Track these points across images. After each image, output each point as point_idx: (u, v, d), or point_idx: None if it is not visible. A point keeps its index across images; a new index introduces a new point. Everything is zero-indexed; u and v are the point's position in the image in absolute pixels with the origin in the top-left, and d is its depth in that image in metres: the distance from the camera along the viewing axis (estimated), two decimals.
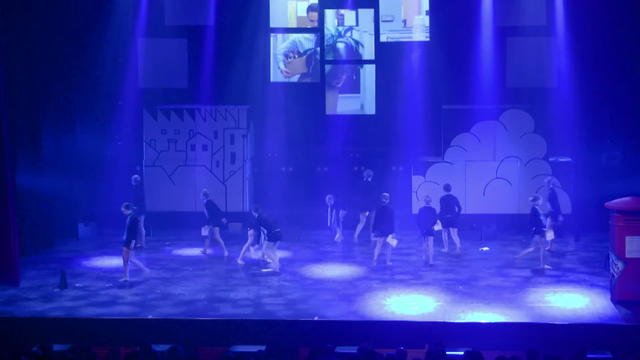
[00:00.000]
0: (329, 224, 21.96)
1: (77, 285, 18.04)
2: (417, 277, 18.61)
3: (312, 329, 15.45)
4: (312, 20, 24.42)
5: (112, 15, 23.05)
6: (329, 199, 21.86)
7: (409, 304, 16.73)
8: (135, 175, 21.86)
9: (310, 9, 24.41)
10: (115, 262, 19.57)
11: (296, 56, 24.56)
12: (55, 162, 22.09)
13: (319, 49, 24.44)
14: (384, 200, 19.53)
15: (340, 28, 24.35)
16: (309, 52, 24.51)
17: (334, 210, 21.91)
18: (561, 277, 18.48)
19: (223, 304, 16.80)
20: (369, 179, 21.87)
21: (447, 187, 20.78)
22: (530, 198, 19.58)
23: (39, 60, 21.05)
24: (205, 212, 20.64)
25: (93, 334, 15.23)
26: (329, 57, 24.52)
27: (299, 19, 24.44)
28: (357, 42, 24.38)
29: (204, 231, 20.58)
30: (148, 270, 18.78)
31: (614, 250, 16.52)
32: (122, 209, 18.69)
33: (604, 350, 13.92)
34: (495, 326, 15.40)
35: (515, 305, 16.52)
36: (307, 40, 24.53)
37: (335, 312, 16.24)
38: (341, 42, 24.40)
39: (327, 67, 24.61)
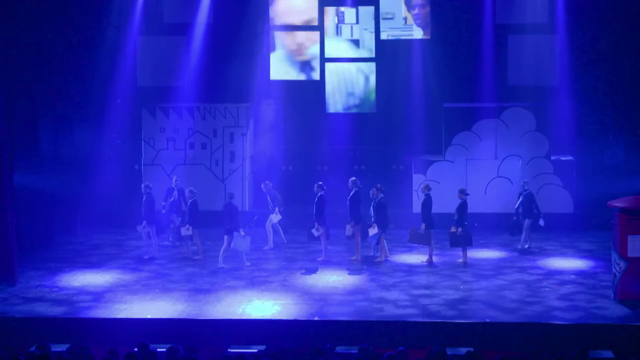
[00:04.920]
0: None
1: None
2: None
3: (312, 329, 15.37)
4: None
5: (110, 13, 22.97)
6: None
7: None
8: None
9: None
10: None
11: None
12: (54, 161, 22.02)
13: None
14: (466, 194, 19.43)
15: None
16: None
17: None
18: (562, 276, 18.39)
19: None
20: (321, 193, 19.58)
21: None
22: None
23: (36, 58, 21.00)
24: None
25: (92, 334, 15.13)
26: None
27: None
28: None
29: (186, 231, 19.79)
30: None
31: (616, 249, 16.41)
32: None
33: (606, 349, 13.82)
34: (497, 326, 15.31)
35: (516, 304, 16.46)
36: None
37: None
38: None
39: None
